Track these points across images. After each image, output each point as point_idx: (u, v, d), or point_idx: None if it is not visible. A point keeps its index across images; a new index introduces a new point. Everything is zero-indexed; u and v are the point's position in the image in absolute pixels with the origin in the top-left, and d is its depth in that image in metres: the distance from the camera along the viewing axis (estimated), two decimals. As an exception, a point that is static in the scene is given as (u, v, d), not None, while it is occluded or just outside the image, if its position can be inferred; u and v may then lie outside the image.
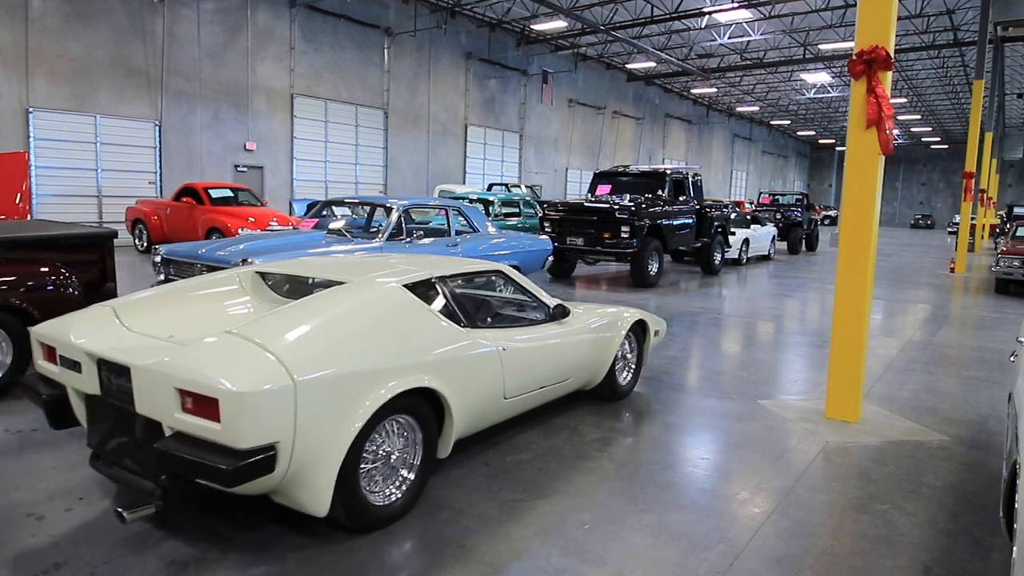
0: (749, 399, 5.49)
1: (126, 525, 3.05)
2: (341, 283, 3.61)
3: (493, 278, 4.58)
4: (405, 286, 3.60)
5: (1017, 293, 13.25)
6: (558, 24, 24.54)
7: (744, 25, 25.80)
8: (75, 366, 3.16)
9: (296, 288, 4.25)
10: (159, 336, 3.30)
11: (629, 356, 5.37)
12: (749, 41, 28.07)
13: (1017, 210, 27.29)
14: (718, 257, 14.65)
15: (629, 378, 5.37)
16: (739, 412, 5.15)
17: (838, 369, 4.96)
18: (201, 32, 17.78)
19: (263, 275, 4.23)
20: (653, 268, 12.13)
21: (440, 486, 3.68)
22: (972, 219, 22.13)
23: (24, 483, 3.56)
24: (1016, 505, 2.62)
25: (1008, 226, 21.18)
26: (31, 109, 14.97)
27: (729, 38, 27.46)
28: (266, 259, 6.59)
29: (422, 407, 3.34)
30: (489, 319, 4.51)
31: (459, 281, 4.24)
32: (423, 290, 3.75)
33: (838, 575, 2.96)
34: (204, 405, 2.64)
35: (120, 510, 2.77)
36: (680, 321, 8.81)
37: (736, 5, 22.08)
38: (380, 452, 3.20)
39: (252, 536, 3.09)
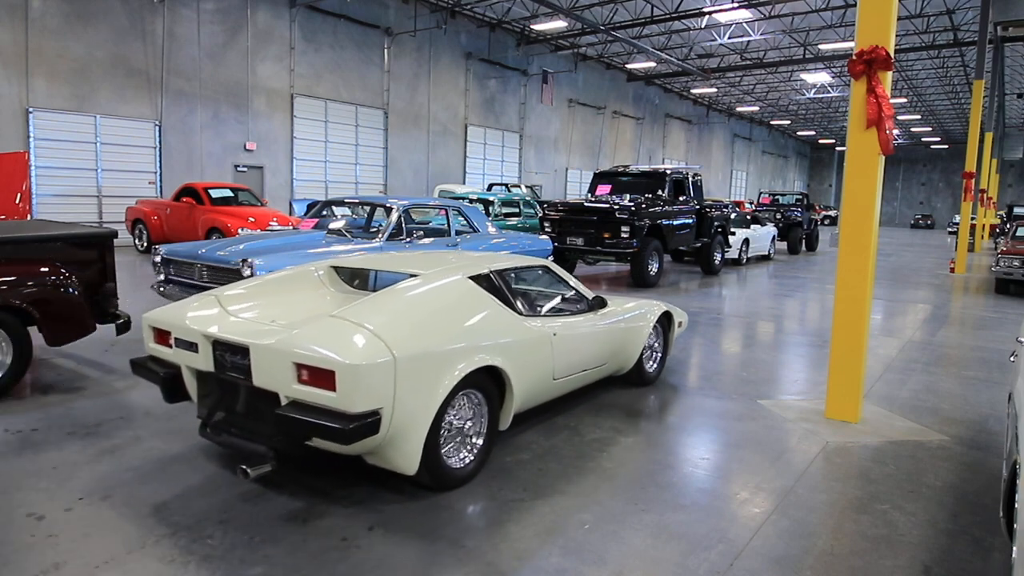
0: (749, 399, 5.49)
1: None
2: (412, 276, 4.09)
3: (540, 272, 5.08)
4: (470, 278, 4.09)
5: (1017, 293, 13.25)
6: (558, 24, 24.54)
7: (744, 25, 25.79)
8: (191, 347, 3.60)
9: (365, 281, 4.83)
10: (262, 321, 3.78)
11: (656, 345, 5.82)
12: (749, 41, 28.07)
13: (1017, 210, 27.29)
14: (718, 257, 14.65)
15: (656, 366, 5.81)
16: (739, 412, 5.15)
17: (838, 369, 4.96)
18: (201, 32, 17.78)
19: (337, 269, 4.75)
20: (653, 268, 12.13)
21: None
22: (972, 219, 22.13)
23: (24, 483, 3.56)
24: (1016, 505, 2.62)
25: (1008, 226, 21.19)
26: (31, 109, 14.97)
27: (729, 38, 27.46)
28: (266, 259, 6.59)
29: (488, 384, 3.80)
30: (538, 308, 4.88)
31: (512, 274, 4.71)
32: (484, 282, 4.24)
33: (838, 575, 2.96)
34: (320, 377, 3.09)
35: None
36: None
37: (736, 5, 22.08)
38: (455, 422, 3.66)
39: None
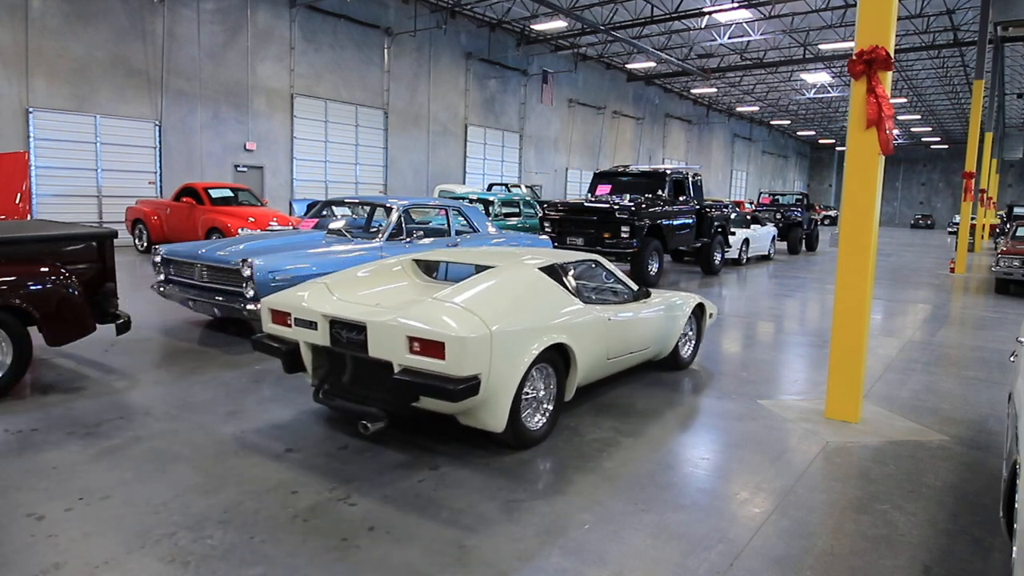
0: (749, 399, 5.49)
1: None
2: (490, 267, 4.74)
3: (592, 265, 5.70)
4: (540, 268, 4.72)
5: (1017, 293, 13.25)
6: (558, 24, 24.53)
7: (744, 25, 25.79)
8: (311, 325, 4.24)
9: (438, 273, 5.54)
10: (369, 303, 4.43)
11: (690, 333, 6.41)
12: (749, 41, 28.06)
13: (1017, 210, 27.29)
14: (718, 257, 14.65)
15: (690, 352, 6.40)
16: (739, 412, 5.15)
17: (838, 369, 4.96)
18: (201, 32, 17.77)
19: (417, 262, 5.42)
20: (653, 268, 12.13)
21: (440, 486, 3.68)
22: (972, 219, 22.12)
23: (24, 483, 3.56)
24: (1016, 505, 2.62)
25: (1008, 226, 21.18)
26: (31, 109, 14.97)
27: (729, 38, 27.46)
28: (267, 259, 6.59)
29: (557, 359, 4.40)
30: (594, 297, 5.45)
31: (571, 266, 5.25)
32: (550, 272, 4.82)
33: (838, 575, 2.96)
34: (431, 348, 3.72)
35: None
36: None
37: (736, 5, 22.08)
38: (532, 390, 4.26)
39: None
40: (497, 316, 3.94)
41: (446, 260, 5.33)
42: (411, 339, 3.79)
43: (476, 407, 3.92)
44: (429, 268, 5.44)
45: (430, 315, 3.86)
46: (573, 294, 4.78)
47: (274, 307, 4.50)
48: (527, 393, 4.20)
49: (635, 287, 5.74)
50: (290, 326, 4.39)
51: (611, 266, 5.73)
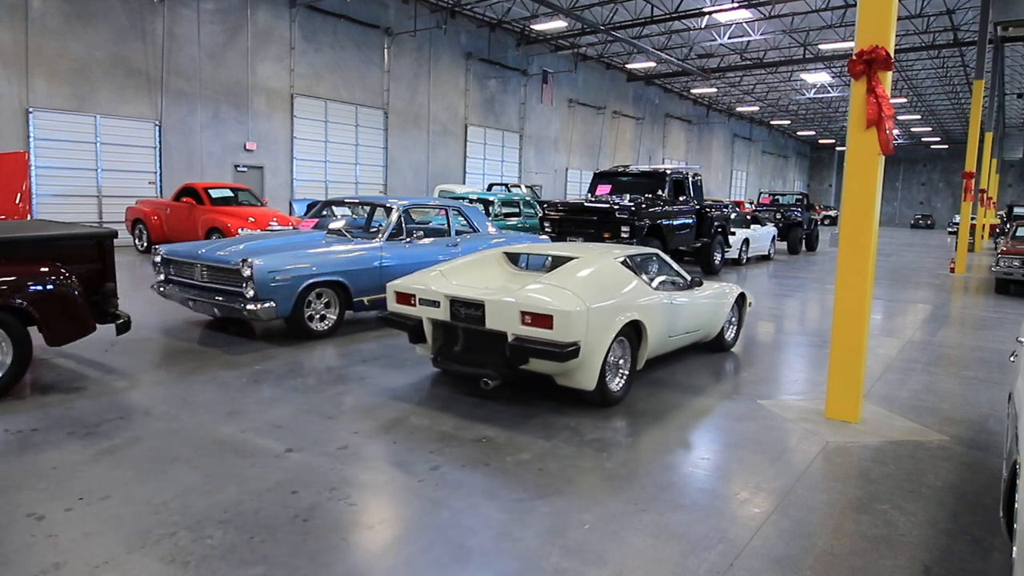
0: (749, 399, 5.49)
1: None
2: (574, 258, 5.60)
3: (653, 258, 6.43)
4: (617, 260, 5.67)
5: (1017, 293, 13.25)
6: (558, 24, 24.53)
7: (744, 25, 25.78)
8: (433, 304, 5.16)
9: (529, 263, 6.40)
10: (479, 286, 5.32)
11: (733, 319, 7.23)
12: (749, 41, 28.06)
13: (1017, 210, 27.28)
14: (718, 257, 14.65)
15: (733, 335, 7.24)
16: (739, 412, 5.15)
17: (838, 369, 4.96)
18: (201, 32, 17.77)
19: (508, 254, 6.27)
20: (653, 268, 12.11)
21: (440, 486, 3.68)
22: (972, 219, 22.12)
23: (24, 483, 3.56)
24: (1016, 505, 2.62)
25: (1008, 226, 21.18)
26: (31, 109, 14.97)
27: (729, 38, 27.45)
28: (267, 259, 6.60)
29: (632, 334, 5.27)
30: (658, 283, 6.09)
31: (638, 258, 6.13)
32: (625, 263, 5.72)
33: (838, 575, 2.96)
34: (541, 320, 4.61)
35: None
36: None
37: (736, 5, 22.07)
38: (613, 358, 5.12)
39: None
40: (591, 296, 4.85)
41: (532, 252, 6.31)
42: (524, 313, 4.70)
43: (573, 369, 4.82)
44: (515, 258, 6.36)
45: (540, 295, 4.80)
46: (644, 281, 5.67)
47: (399, 290, 5.44)
48: (611, 360, 5.07)
49: (688, 277, 6.55)
50: (414, 305, 5.32)
51: (668, 259, 6.58)
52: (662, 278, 6.24)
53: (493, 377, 4.89)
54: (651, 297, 5.52)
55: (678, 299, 5.94)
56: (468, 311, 4.98)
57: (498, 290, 5.10)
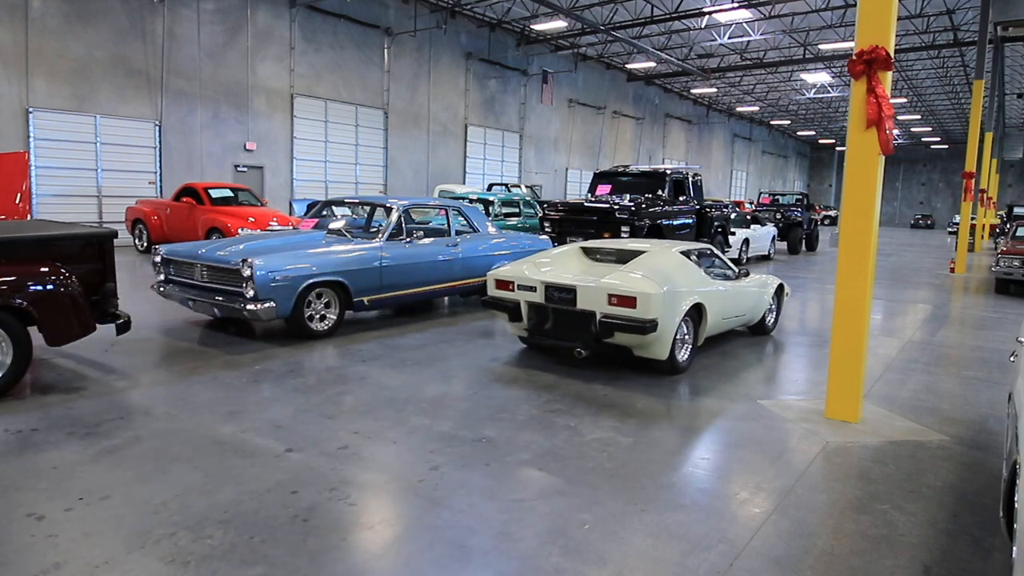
0: (749, 399, 5.49)
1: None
2: (643, 251, 6.65)
3: (708, 252, 7.26)
4: (680, 252, 6.65)
5: (1017, 293, 13.25)
6: (558, 24, 24.52)
7: (744, 25, 25.78)
8: (531, 289, 6.13)
9: (602, 255, 7.06)
10: (566, 274, 6.35)
11: (772, 306, 8.09)
12: (749, 41, 28.06)
13: (1017, 210, 27.27)
14: (718, 257, 14.65)
15: (772, 320, 8.15)
16: (739, 412, 5.15)
17: (838, 369, 4.96)
18: (201, 32, 17.77)
19: (584, 248, 7.16)
20: (653, 268, 12.11)
21: (440, 486, 3.68)
22: (972, 219, 22.12)
23: (24, 483, 3.56)
24: (1016, 505, 2.62)
25: (1008, 226, 21.18)
26: (31, 109, 14.97)
27: (729, 38, 27.45)
28: (267, 259, 6.60)
29: (695, 315, 6.26)
30: (712, 273, 6.92)
31: (696, 251, 7.01)
32: (686, 255, 6.72)
33: (838, 575, 2.96)
34: (626, 301, 5.58)
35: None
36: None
37: (736, 5, 22.07)
38: (680, 334, 6.04)
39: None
40: (665, 282, 5.78)
41: (604, 247, 7.10)
42: (611, 296, 5.66)
43: (650, 342, 5.78)
44: (588, 251, 7.21)
45: (624, 280, 5.76)
46: (703, 271, 6.59)
47: (499, 278, 6.42)
48: (679, 336, 6.01)
49: (736, 269, 7.45)
50: (513, 290, 6.27)
51: (719, 253, 7.52)
52: (716, 269, 7.16)
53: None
54: (709, 285, 6.49)
55: (729, 287, 6.91)
56: (561, 294, 5.96)
57: (582, 277, 6.15)
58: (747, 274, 7.48)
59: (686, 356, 6.23)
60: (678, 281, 5.98)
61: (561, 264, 6.75)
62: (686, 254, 6.74)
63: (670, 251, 6.64)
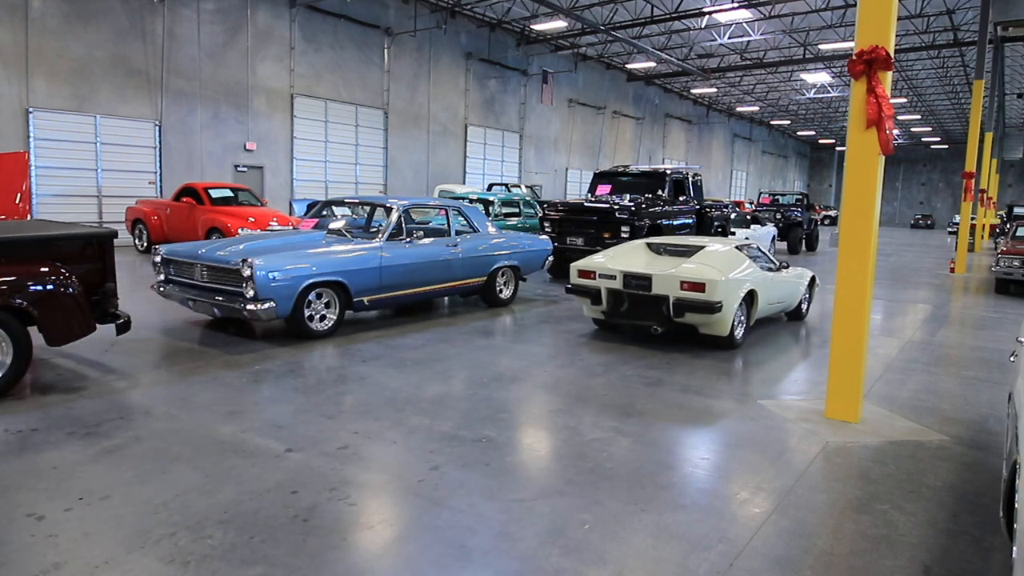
0: (749, 399, 5.49)
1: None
2: (702, 246, 7.62)
3: (755, 247, 8.21)
4: (735, 246, 7.71)
5: (1017, 293, 13.25)
6: (558, 24, 24.52)
7: (744, 25, 25.78)
8: (611, 277, 7.17)
9: (665, 250, 8.06)
10: (639, 264, 7.46)
11: (806, 296, 9.15)
12: (749, 41, 28.06)
13: (1017, 210, 27.24)
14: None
15: (806, 308, 9.24)
16: (739, 412, 5.15)
17: (838, 369, 4.96)
18: (201, 32, 17.77)
19: (648, 244, 8.19)
20: (653, 268, 12.12)
21: (440, 486, 3.68)
22: (972, 219, 22.11)
23: (24, 483, 3.56)
24: (1016, 505, 2.62)
25: (1008, 226, 21.17)
26: (31, 109, 14.97)
27: (729, 38, 27.45)
28: (267, 259, 6.59)
29: (748, 299, 7.31)
30: (761, 266, 7.82)
31: (745, 246, 7.95)
32: (740, 249, 7.72)
33: (838, 575, 2.96)
34: (696, 286, 6.63)
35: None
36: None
37: (736, 5, 22.07)
38: (737, 317, 7.08)
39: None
40: (726, 270, 6.88)
41: (667, 243, 8.10)
42: (683, 282, 6.71)
43: (714, 322, 6.84)
44: (652, 247, 8.18)
45: (694, 269, 6.85)
46: (753, 263, 7.57)
47: (581, 268, 7.49)
48: (736, 318, 7.03)
49: (777, 262, 8.41)
50: (594, 279, 7.33)
51: (764, 248, 8.59)
52: (762, 262, 8.03)
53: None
54: (759, 275, 7.49)
55: (774, 276, 7.92)
56: (638, 282, 7.00)
57: (653, 267, 7.25)
58: (787, 266, 8.50)
59: (741, 334, 7.29)
60: (736, 271, 7.05)
61: (631, 257, 7.79)
62: (739, 248, 7.74)
63: (727, 246, 7.71)
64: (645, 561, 3.00)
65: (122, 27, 16.29)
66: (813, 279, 9.20)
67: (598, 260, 7.52)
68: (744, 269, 7.22)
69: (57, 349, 6.20)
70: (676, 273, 6.80)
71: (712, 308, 6.59)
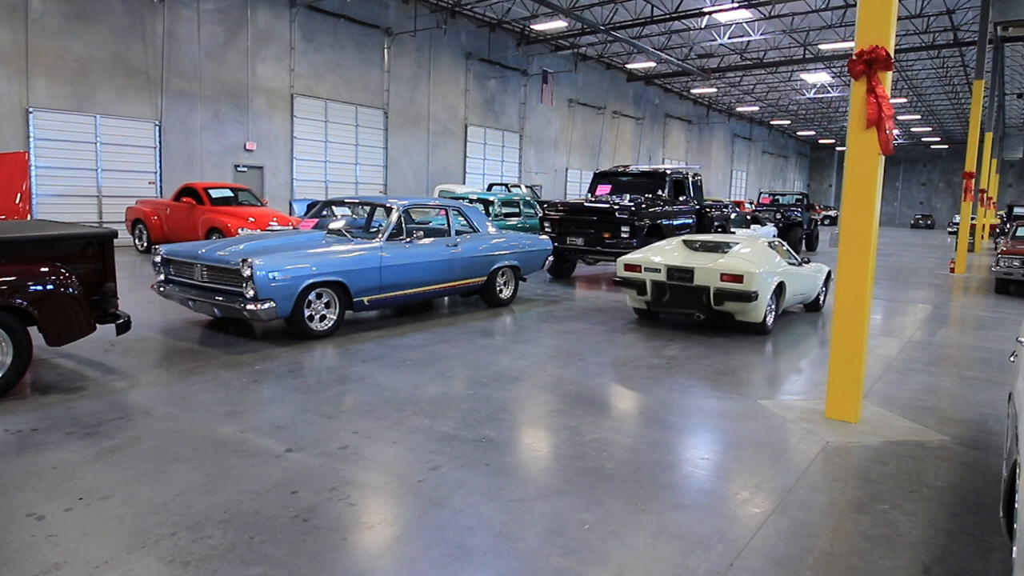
0: (749, 399, 5.49)
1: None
2: (736, 243, 8.45)
3: (778, 243, 9.08)
4: (765, 243, 8.63)
5: (1017, 293, 13.25)
6: (558, 24, 24.52)
7: (744, 25, 25.78)
8: (656, 270, 7.98)
9: (699, 246, 8.60)
10: (679, 258, 8.09)
11: (823, 289, 9.92)
12: (749, 41, 28.06)
13: (1017, 210, 27.23)
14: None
15: (823, 300, 10.00)
16: (739, 412, 5.15)
17: (838, 369, 4.96)
18: (201, 32, 17.77)
19: (684, 241, 8.82)
20: (653, 268, 12.11)
21: (440, 486, 3.68)
22: (972, 219, 22.11)
23: (24, 483, 3.56)
24: (1016, 505, 2.62)
25: (1008, 226, 21.17)
26: (31, 109, 14.97)
27: (729, 38, 27.46)
28: (267, 259, 6.59)
29: (777, 290, 8.10)
30: (787, 260, 8.64)
31: (775, 243, 8.85)
32: (770, 245, 8.62)
33: (838, 575, 2.96)
34: (735, 278, 7.47)
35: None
36: (680, 321, 8.80)
37: (736, 5, 22.07)
38: (768, 306, 7.92)
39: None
40: (760, 264, 7.72)
41: (702, 240, 8.74)
42: (723, 274, 7.57)
43: (750, 310, 7.71)
44: (688, 243, 8.77)
45: (733, 262, 7.72)
46: (781, 258, 8.44)
47: (628, 263, 8.30)
48: (768, 306, 7.90)
49: (799, 258, 9.13)
50: (640, 272, 8.16)
51: (787, 245, 9.51)
52: (788, 258, 8.81)
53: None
54: (786, 268, 8.34)
55: (797, 270, 8.65)
56: (680, 274, 7.84)
57: (692, 261, 7.96)
58: (808, 262, 9.30)
59: (771, 321, 8.13)
60: (769, 264, 7.88)
61: (671, 252, 8.43)
62: (770, 245, 8.66)
63: (758, 242, 8.63)
64: (645, 561, 3.00)
65: (122, 27, 16.29)
66: (829, 274, 9.92)
67: (644, 255, 8.27)
68: (775, 263, 8.06)
69: (57, 349, 6.20)
70: (716, 266, 7.61)
71: (749, 297, 7.40)
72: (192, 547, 2.99)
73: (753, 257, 7.85)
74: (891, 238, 35.03)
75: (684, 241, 8.84)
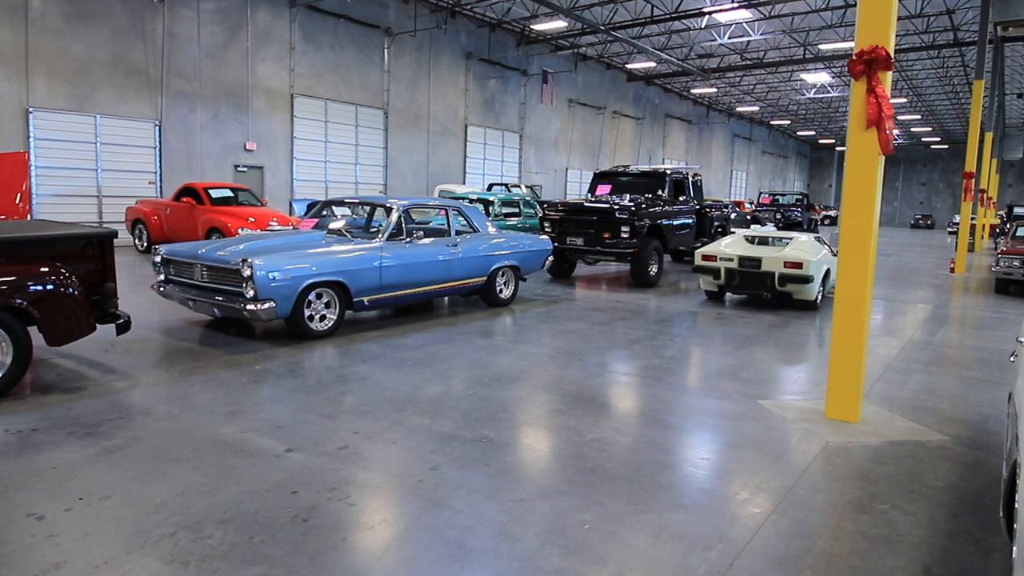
0: (749, 399, 5.49)
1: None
2: (792, 238, 10.38)
3: (823, 238, 10.90)
4: (814, 237, 10.54)
5: (1017, 293, 13.25)
6: (558, 24, 24.52)
7: (744, 25, 25.78)
8: (729, 260, 9.80)
9: (760, 240, 10.66)
10: (742, 249, 10.05)
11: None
12: (749, 41, 28.06)
13: (1017, 210, 27.22)
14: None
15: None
16: (739, 412, 5.15)
17: (838, 369, 4.96)
18: (201, 32, 17.77)
19: (745, 237, 10.66)
20: (653, 268, 12.13)
21: (440, 486, 3.68)
22: (972, 219, 22.10)
23: (24, 483, 3.56)
24: (1016, 505, 2.62)
25: (1008, 226, 21.16)
26: (31, 109, 14.97)
27: (729, 38, 27.45)
28: (267, 259, 6.59)
29: (825, 276, 10.01)
30: (831, 253, 10.29)
31: (820, 238, 10.57)
32: (818, 240, 10.42)
33: (838, 575, 2.96)
34: (795, 264, 9.44)
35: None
36: (680, 321, 8.81)
37: (736, 5, 22.07)
38: (819, 288, 9.85)
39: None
40: (813, 254, 9.51)
41: (761, 235, 10.72)
42: (786, 262, 9.34)
43: (806, 291, 9.49)
44: (750, 239, 10.61)
45: (793, 252, 9.50)
46: (827, 250, 10.15)
47: (705, 254, 10.04)
48: (819, 289, 9.68)
49: (835, 249, 10.28)
50: (716, 261, 9.89)
51: (826, 239, 11.14)
52: (831, 250, 10.31)
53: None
54: (831, 258, 10.07)
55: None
56: (750, 262, 9.61)
57: (757, 252, 9.70)
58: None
59: (820, 299, 9.88)
60: (819, 254, 9.65)
61: (737, 245, 10.27)
62: (817, 239, 10.35)
63: (808, 236, 10.45)
64: (645, 561, 3.00)
65: (122, 27, 16.29)
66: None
67: (717, 247, 10.15)
68: (823, 254, 9.81)
69: (57, 349, 6.20)
70: (781, 255, 9.47)
71: (807, 280, 9.30)
72: (192, 547, 2.99)
73: (808, 248, 9.75)
74: (891, 238, 35.01)
75: (745, 237, 10.81)
